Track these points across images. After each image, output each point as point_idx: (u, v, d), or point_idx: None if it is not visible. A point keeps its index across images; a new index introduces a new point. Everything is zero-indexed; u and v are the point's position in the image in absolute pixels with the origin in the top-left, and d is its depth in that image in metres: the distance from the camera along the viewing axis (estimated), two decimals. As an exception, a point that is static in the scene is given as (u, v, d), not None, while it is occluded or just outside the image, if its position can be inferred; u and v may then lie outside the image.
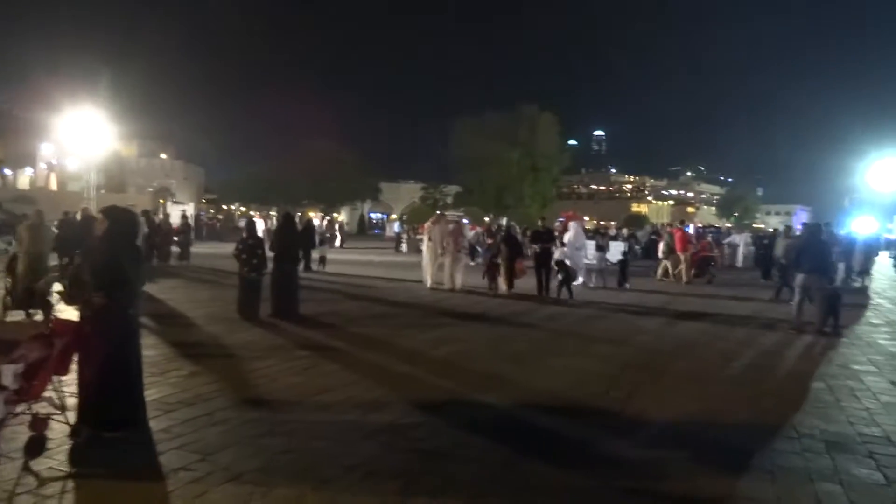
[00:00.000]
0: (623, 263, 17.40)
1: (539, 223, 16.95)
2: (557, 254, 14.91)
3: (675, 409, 5.98)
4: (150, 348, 7.59)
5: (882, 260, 30.15)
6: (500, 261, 15.04)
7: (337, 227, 36.72)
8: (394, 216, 74.57)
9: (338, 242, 33.69)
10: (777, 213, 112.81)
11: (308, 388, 6.33)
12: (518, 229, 23.87)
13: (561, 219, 25.73)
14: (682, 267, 18.50)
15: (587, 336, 9.76)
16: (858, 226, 36.80)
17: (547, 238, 15.18)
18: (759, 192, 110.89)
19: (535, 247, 15.06)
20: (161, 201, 50.65)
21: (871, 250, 21.74)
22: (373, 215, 78.53)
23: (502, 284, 14.78)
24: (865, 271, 20.16)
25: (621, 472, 4.47)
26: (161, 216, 27.55)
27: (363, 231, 66.99)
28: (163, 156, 65.47)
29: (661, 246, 20.21)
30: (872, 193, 52.42)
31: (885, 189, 48.25)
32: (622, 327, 10.66)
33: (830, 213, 65.59)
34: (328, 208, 56.16)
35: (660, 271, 19.47)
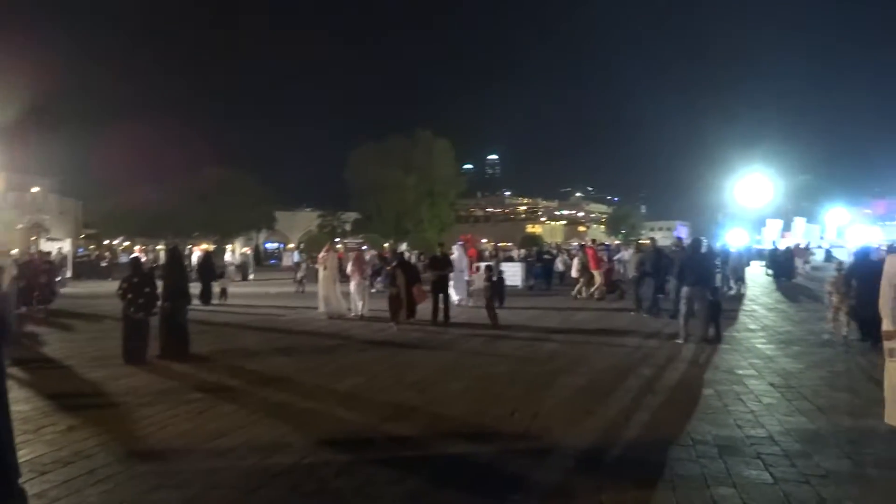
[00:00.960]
0: (499, 283, 17.50)
1: (438, 249, 16.84)
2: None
3: (577, 425, 6.09)
4: (22, 402, 6.92)
5: (753, 269, 32.63)
6: (397, 286, 14.38)
7: (245, 257, 35.52)
8: (290, 245, 72.94)
9: (250, 275, 32.70)
10: (660, 229, 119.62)
11: (202, 433, 5.95)
12: (412, 254, 23.91)
13: (460, 242, 26.15)
14: (598, 284, 19.10)
15: (489, 358, 9.84)
16: (731, 238, 39.75)
17: (444, 264, 14.91)
18: (643, 209, 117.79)
19: (432, 273, 14.66)
20: (33, 238, 46.88)
21: (743, 260, 23.48)
22: (268, 245, 76.42)
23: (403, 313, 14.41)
24: (740, 279, 21.66)
25: (532, 495, 4.47)
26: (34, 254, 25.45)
27: (259, 262, 64.88)
28: (35, 189, 60.74)
29: (576, 264, 20.84)
30: (741, 208, 57.05)
31: (752, 204, 52.78)
32: (523, 347, 10.84)
33: (707, 228, 70.53)
34: (221, 239, 54.08)
35: (576, 289, 19.92)
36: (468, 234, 54.87)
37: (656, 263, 15.48)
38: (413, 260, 26.85)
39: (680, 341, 10.82)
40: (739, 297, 19.15)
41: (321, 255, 16.78)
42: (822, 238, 49.81)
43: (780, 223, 54.43)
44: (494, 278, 15.01)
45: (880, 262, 12.49)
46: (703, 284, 11.10)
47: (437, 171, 54.61)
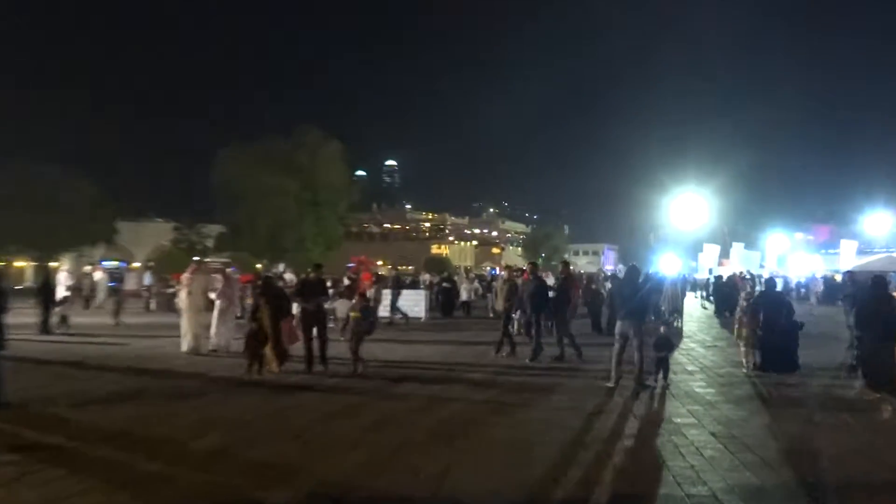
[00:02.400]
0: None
1: (309, 271, 15.80)
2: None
3: (495, 484, 6.12)
4: None
5: (688, 300, 34.34)
6: (259, 321, 12.69)
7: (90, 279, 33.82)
8: (135, 264, 69.82)
9: (99, 300, 31.20)
10: (585, 253, 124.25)
11: (17, 505, 5.53)
12: (290, 278, 23.23)
13: (351, 264, 25.84)
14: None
15: (387, 402, 9.76)
16: (665, 264, 41.70)
17: (319, 291, 13.72)
18: (566, 230, 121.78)
19: (305, 304, 13.24)
20: None
21: (679, 290, 24.63)
22: (106, 264, 72.87)
23: (270, 358, 12.61)
24: (676, 312, 22.65)
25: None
26: None
27: (93, 285, 61.68)
28: None
29: (500, 292, 20.91)
30: (675, 231, 60.04)
31: (686, 226, 55.56)
32: (425, 391, 10.83)
33: (638, 252, 73.74)
34: (44, 256, 50.99)
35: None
36: (361, 254, 54.51)
37: (537, 294, 14.58)
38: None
39: (610, 384, 11.14)
40: (677, 332, 20.01)
41: (185, 276, 16.20)
42: (761, 266, 53.20)
43: (717, 248, 57.56)
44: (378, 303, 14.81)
45: (783, 294, 14.05)
46: (638, 317, 11.52)
47: (323, 178, 54.04)
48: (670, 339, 11.99)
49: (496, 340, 15.03)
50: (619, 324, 11.59)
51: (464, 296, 28.57)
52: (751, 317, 12.78)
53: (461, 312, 27.54)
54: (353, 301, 13.81)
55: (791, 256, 57.47)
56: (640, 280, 12.60)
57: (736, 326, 13.81)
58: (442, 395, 10.44)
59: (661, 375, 11.45)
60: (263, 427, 8.30)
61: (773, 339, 12.43)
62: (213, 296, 16.26)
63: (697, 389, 11.12)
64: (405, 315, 23.17)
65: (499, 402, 9.91)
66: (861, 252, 49.56)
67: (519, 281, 15.97)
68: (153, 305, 30.91)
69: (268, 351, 12.50)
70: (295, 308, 13.78)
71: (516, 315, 14.77)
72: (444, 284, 30.09)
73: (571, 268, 17.40)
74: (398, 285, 25.19)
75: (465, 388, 11.02)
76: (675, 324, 21.69)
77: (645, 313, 11.87)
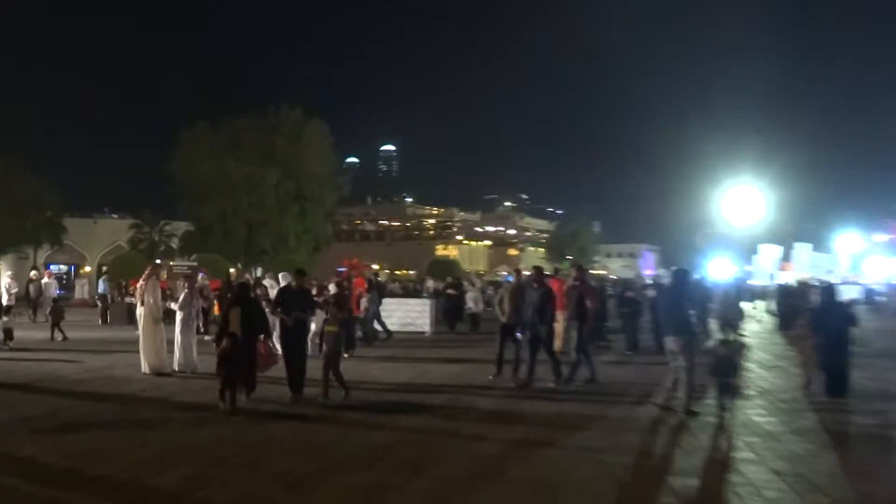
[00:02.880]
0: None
1: (290, 278, 15.63)
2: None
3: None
4: None
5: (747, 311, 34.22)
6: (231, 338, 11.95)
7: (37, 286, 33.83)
8: (87, 268, 70.16)
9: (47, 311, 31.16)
10: (620, 255, 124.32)
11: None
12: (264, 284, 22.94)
13: (341, 268, 25.72)
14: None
15: (387, 433, 9.79)
16: (716, 269, 41.65)
17: (303, 303, 13.30)
18: (597, 228, 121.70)
19: (285, 317, 12.97)
20: None
21: (732, 298, 24.47)
22: (54, 268, 73.20)
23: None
24: (729, 325, 22.49)
25: None
26: None
27: (40, 292, 61.92)
28: None
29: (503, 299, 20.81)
30: (726, 229, 59.81)
31: (741, 222, 55.22)
32: (436, 418, 10.85)
33: (682, 254, 73.63)
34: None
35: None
36: (353, 256, 54.38)
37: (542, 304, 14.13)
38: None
39: (663, 409, 11.14)
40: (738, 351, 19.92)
41: (140, 283, 16.23)
42: (829, 272, 53.06)
43: (777, 250, 57.34)
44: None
45: (848, 305, 13.98)
46: (687, 332, 11.42)
47: (308, 166, 54.07)
48: (732, 360, 11.62)
49: (495, 358, 15.14)
50: (667, 339, 11.69)
51: (470, 305, 27.75)
52: (809, 334, 13.06)
53: (468, 326, 26.94)
54: (330, 310, 13.29)
55: (867, 260, 57.17)
56: (690, 287, 12.57)
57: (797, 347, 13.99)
58: (452, 424, 10.43)
59: (724, 401, 11.13)
60: (237, 464, 8.28)
61: (838, 361, 12.47)
62: (173, 306, 16.29)
63: (756, 418, 11.08)
64: (385, 329, 23.05)
65: (515, 433, 9.90)
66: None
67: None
68: (109, 317, 30.94)
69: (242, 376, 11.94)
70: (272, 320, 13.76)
71: (520, 334, 14.37)
72: (449, 291, 29.89)
73: (584, 272, 17.18)
74: (380, 293, 24.49)
75: (480, 415, 11.03)
76: (730, 338, 21.59)
77: (694, 327, 11.76)
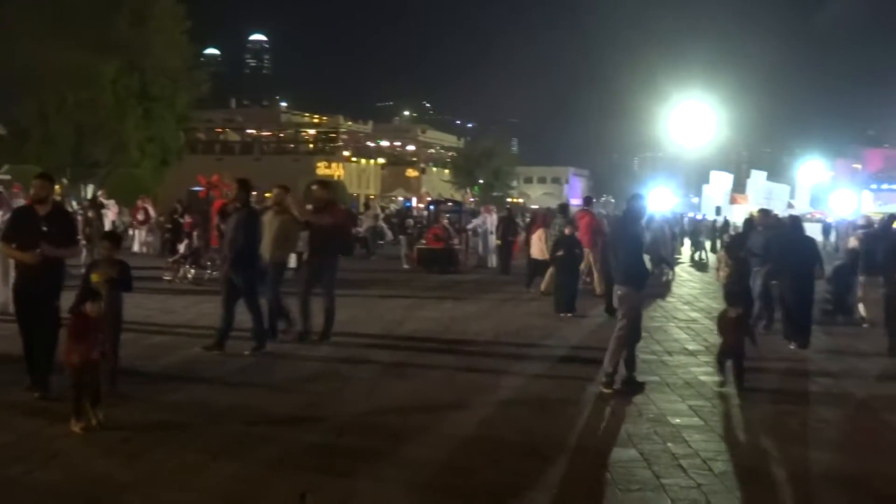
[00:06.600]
0: None
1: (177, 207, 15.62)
2: None
3: None
4: None
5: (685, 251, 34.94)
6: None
7: None
8: None
9: None
10: (542, 180, 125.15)
11: None
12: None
13: (198, 187, 25.15)
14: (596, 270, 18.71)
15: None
16: (653, 200, 42.38)
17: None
18: (515, 146, 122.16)
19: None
20: None
21: (668, 232, 25.12)
22: None
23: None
24: (664, 261, 23.18)
25: None
26: None
27: None
28: None
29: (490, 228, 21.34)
30: (674, 151, 60.65)
31: (691, 144, 55.94)
32: (422, 386, 10.73)
33: (615, 180, 74.78)
34: None
35: (545, 282, 19.22)
36: (213, 173, 53.33)
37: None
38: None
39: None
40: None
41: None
42: (790, 206, 54.46)
43: (729, 178, 58.45)
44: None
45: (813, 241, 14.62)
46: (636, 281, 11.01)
47: (155, 58, 52.60)
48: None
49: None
50: (622, 291, 10.66)
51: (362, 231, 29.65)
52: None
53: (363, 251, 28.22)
54: (98, 255, 11.44)
55: (832, 194, 58.72)
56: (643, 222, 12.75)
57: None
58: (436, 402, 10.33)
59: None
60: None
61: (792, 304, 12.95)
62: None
63: (703, 377, 11.20)
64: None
65: (453, 388, 9.86)
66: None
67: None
68: None
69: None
70: None
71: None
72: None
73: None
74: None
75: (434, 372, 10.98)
76: (664, 277, 22.39)
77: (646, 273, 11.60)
